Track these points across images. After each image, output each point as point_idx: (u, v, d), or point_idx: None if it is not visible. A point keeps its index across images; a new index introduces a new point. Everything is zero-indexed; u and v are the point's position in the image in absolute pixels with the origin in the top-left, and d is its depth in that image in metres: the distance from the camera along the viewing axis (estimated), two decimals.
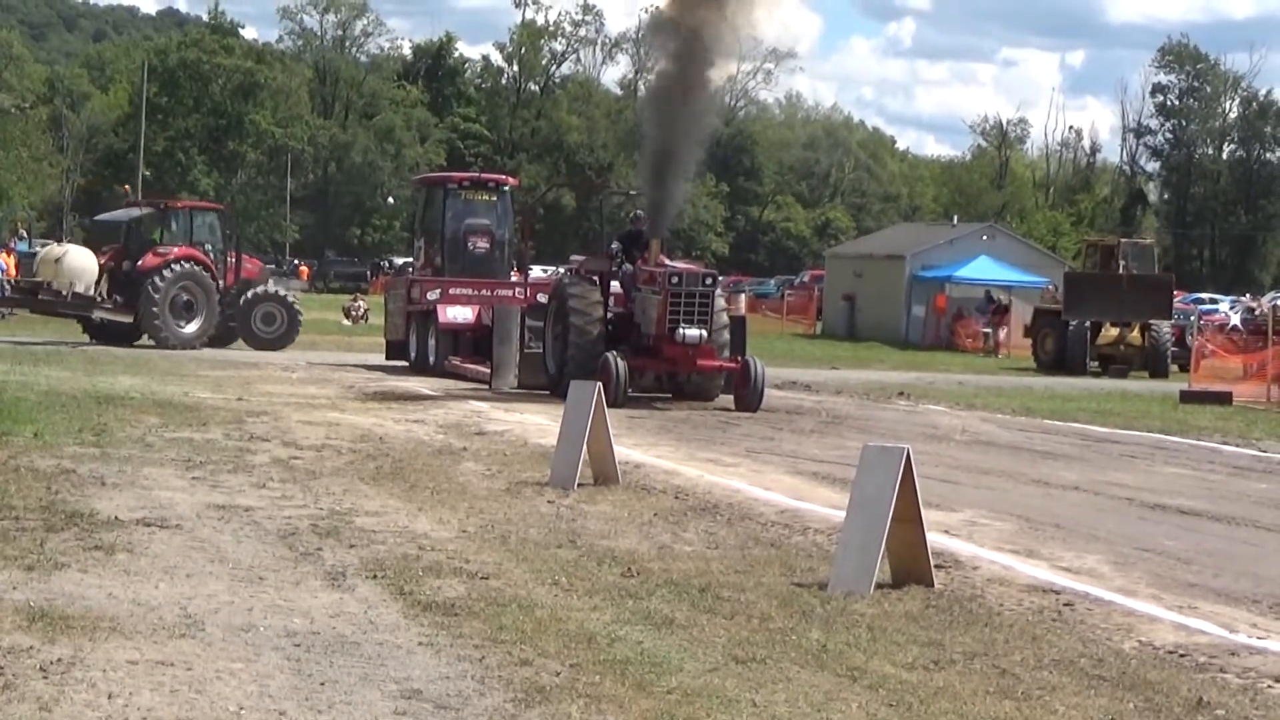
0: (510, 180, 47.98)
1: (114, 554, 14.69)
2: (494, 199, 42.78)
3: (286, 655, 11.43)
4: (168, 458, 21.56)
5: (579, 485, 20.22)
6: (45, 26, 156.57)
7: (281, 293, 48.47)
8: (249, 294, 46.09)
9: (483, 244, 40.77)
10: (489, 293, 38.75)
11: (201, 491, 18.89)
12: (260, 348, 44.62)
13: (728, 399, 34.06)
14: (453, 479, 21.11)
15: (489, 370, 36.17)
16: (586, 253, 38.19)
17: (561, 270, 40.68)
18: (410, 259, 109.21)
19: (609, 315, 33.77)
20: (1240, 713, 11.28)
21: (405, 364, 40.80)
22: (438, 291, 38.55)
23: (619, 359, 31.23)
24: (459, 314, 38.60)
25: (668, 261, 35.26)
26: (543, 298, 36.60)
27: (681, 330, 31.75)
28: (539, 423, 26.80)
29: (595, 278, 34.61)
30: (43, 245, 71.19)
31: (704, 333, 32.39)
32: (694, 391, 33.87)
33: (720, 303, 35.36)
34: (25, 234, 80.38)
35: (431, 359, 39.31)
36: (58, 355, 38.23)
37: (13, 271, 54.10)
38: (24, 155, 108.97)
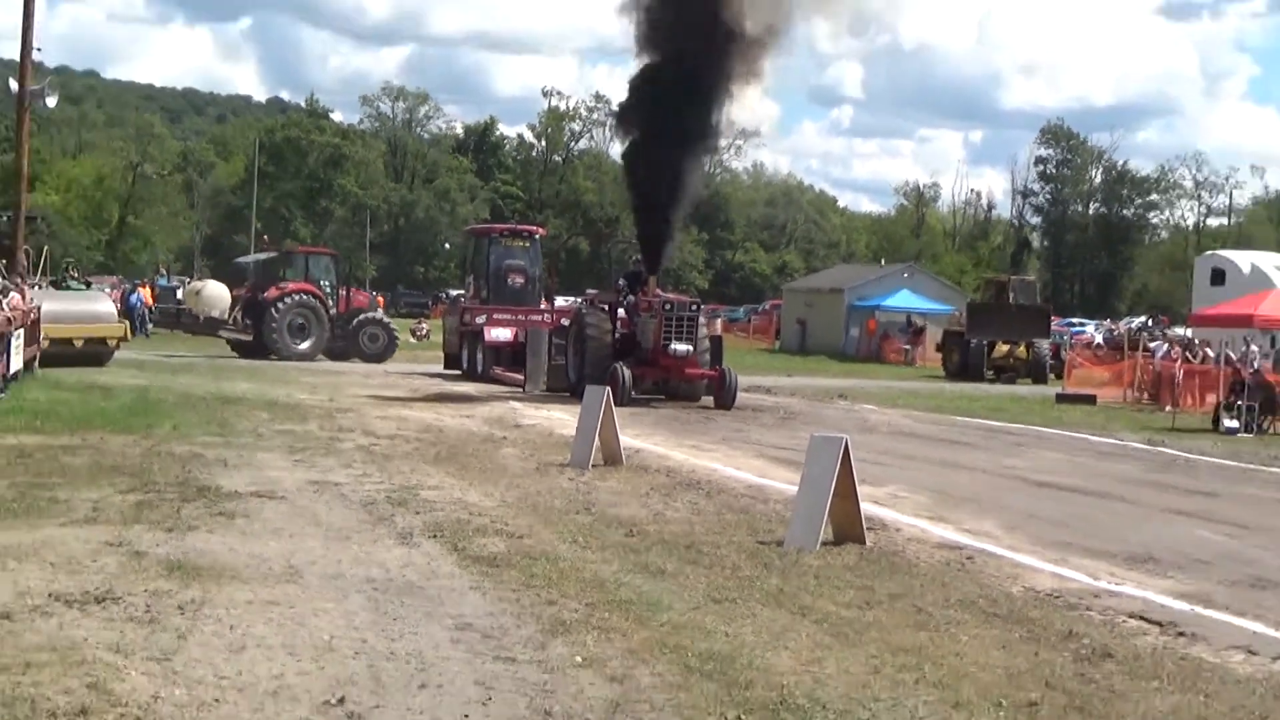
0: (539, 230, 48.47)
1: (234, 519, 14.70)
2: (527, 245, 43.32)
3: (367, 597, 11.46)
4: (275, 445, 21.56)
5: (592, 466, 20.22)
6: (180, 111, 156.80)
7: (383, 318, 48.65)
8: (358, 319, 46.18)
9: (518, 279, 41.16)
10: (523, 317, 38.18)
11: (301, 471, 18.89)
12: (367, 361, 44.46)
13: (709, 400, 34.01)
14: (495, 461, 21.11)
15: (524, 377, 36.21)
16: (598, 288, 38.65)
17: (579, 301, 40.50)
18: (462, 291, 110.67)
19: (617, 336, 33.75)
20: (1101, 641, 11.31)
21: (459, 372, 40.76)
22: (484, 316, 38.27)
23: (624, 369, 31.23)
24: (501, 334, 38.90)
25: (660, 293, 35.02)
26: (565, 322, 36.64)
27: (673, 346, 31.97)
28: (561, 418, 26.80)
29: (605, 307, 34.88)
30: (181, 280, 71.75)
31: (690, 348, 32.56)
32: (682, 394, 33.91)
33: (703, 326, 35.00)
34: (165, 272, 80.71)
35: (480, 369, 39.59)
36: (191, 366, 38.23)
37: (150, 301, 54.03)
38: (164, 211, 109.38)
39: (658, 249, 35.57)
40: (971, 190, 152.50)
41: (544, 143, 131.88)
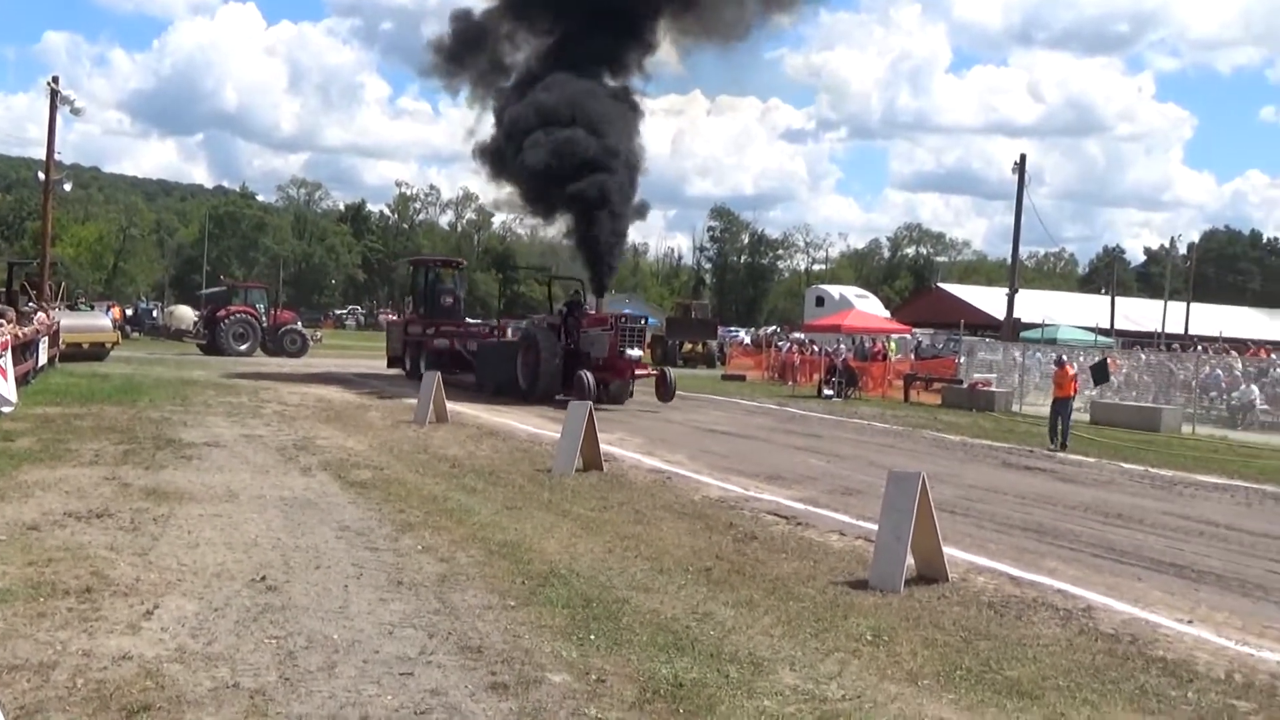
0: (462, 261, 43.33)
1: (191, 460, 14.27)
2: (455, 272, 38.31)
3: (280, 510, 11.21)
4: (218, 411, 20.91)
5: (429, 422, 19.98)
6: (155, 194, 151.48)
7: (301, 329, 47.23)
8: (283, 329, 44.99)
9: (449, 299, 35.56)
10: (461, 330, 34.54)
11: (236, 428, 18.36)
12: (291, 357, 42.83)
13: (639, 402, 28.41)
14: (365, 420, 20.72)
15: (467, 376, 31.88)
16: (542, 315, 32.19)
17: (528, 322, 33.43)
18: (352, 307, 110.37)
19: (561, 351, 28.02)
20: (750, 529, 11.49)
21: (402, 372, 34.47)
22: (430, 329, 33.94)
23: (588, 375, 26.04)
24: (441, 343, 33.71)
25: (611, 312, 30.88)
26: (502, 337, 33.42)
27: (627, 351, 27.28)
28: (410, 400, 26.24)
29: (548, 327, 29.06)
30: (156, 304, 70.28)
31: (640, 352, 28.26)
32: (611, 398, 27.60)
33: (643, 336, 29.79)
34: (144, 299, 78.87)
35: (423, 371, 32.44)
36: (163, 361, 36.84)
37: (119, 316, 52.02)
38: (143, 259, 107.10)
39: (602, 278, 30.40)
40: (668, 247, 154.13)
41: (396, 215, 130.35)
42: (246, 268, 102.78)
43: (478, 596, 8.18)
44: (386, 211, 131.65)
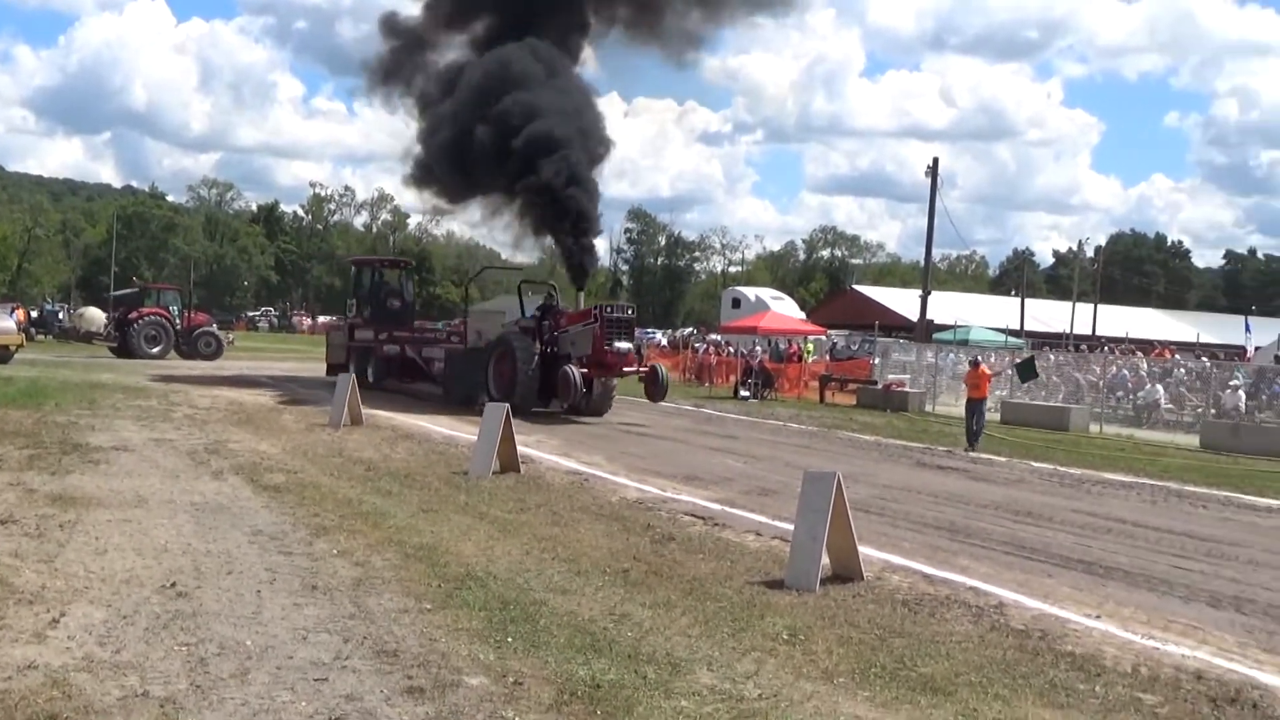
0: (409, 262, 41.17)
1: (99, 465, 13.98)
2: (401, 273, 35.39)
3: (191, 515, 11.03)
4: (127, 415, 20.50)
5: (343, 425, 19.77)
6: (61, 194, 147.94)
7: (216, 331, 46.20)
8: (197, 331, 43.96)
9: (395, 302, 33.01)
10: (417, 335, 31.65)
11: (145, 431, 18.02)
12: (205, 360, 41.85)
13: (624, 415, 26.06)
14: (278, 423, 20.44)
15: (418, 385, 30.02)
16: (512, 319, 28.57)
17: (505, 327, 27.91)
18: (265, 309, 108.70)
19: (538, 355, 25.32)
20: (667, 530, 11.52)
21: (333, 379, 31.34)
22: (383, 335, 31.34)
23: (574, 370, 24.32)
24: (392, 349, 31.03)
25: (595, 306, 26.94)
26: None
27: (616, 344, 24.77)
28: (324, 406, 25.91)
29: (525, 331, 26.14)
30: (62, 306, 68.85)
31: (630, 345, 25.50)
32: (591, 409, 25.34)
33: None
34: (50, 301, 77.09)
35: (372, 379, 30.34)
36: (70, 363, 36.03)
37: (24, 318, 50.68)
38: (49, 260, 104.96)
39: (582, 271, 27.85)
40: None
41: (310, 216, 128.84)
42: (156, 269, 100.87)
43: (394, 600, 8.11)
44: (300, 212, 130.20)
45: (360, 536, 10.26)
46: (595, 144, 28.62)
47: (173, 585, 8.24)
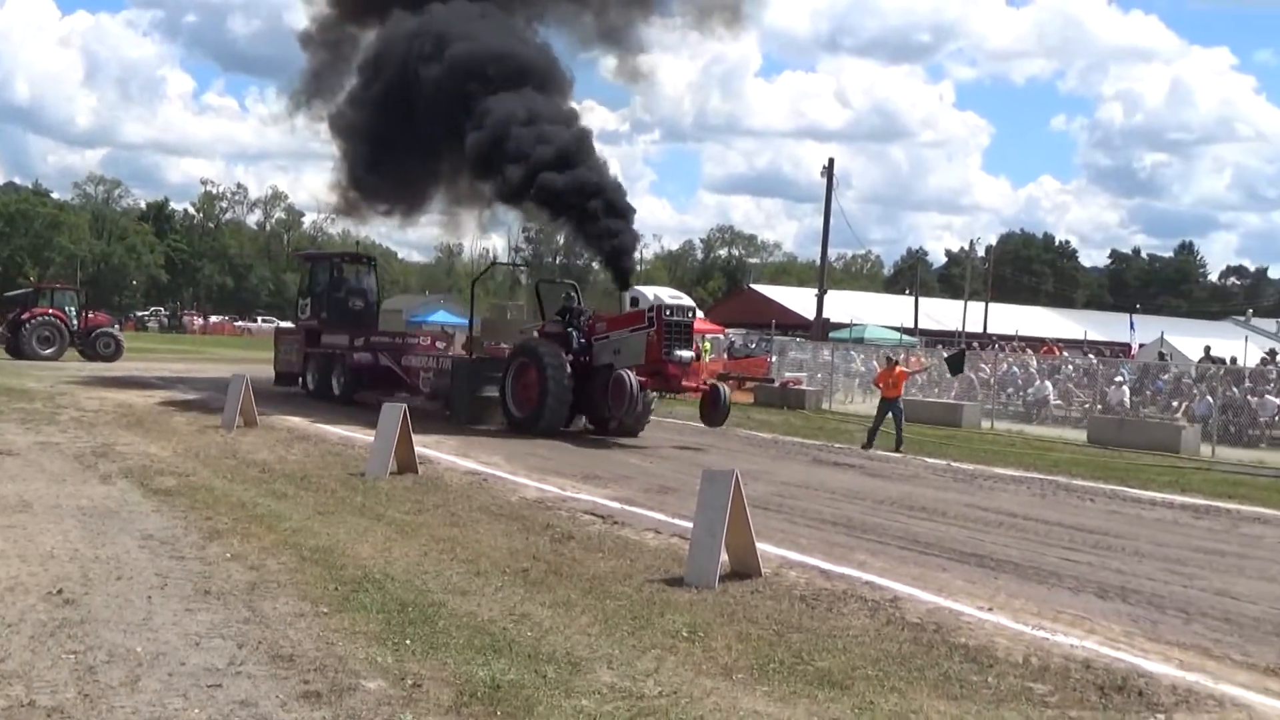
0: (373, 257, 36.02)
1: None
2: (364, 269, 31.16)
3: (78, 520, 10.77)
4: (11, 418, 19.92)
5: (236, 427, 19.41)
6: None
7: (115, 332, 44.74)
8: (95, 332, 42.60)
9: (358, 302, 29.37)
10: (401, 341, 27.47)
11: (30, 435, 17.54)
12: (104, 361, 40.65)
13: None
14: (169, 425, 20.03)
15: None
16: (533, 324, 25.20)
17: (523, 333, 24.74)
18: (155, 309, 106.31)
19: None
20: (567, 528, 11.51)
21: (301, 390, 28.89)
22: (358, 340, 27.58)
23: (630, 374, 20.54)
24: (364, 357, 26.96)
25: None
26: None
27: (677, 353, 21.06)
28: (217, 407, 25.39)
29: (553, 338, 22.55)
30: None
31: (693, 354, 22.07)
32: (625, 428, 21.88)
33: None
34: None
35: (339, 390, 27.46)
36: None
37: None
38: None
39: (624, 267, 24.28)
40: (483, 248, 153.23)
41: (201, 214, 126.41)
42: (41, 268, 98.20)
43: (289, 604, 7.99)
44: (191, 210, 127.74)
45: (254, 540, 10.10)
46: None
47: (59, 592, 8.03)
